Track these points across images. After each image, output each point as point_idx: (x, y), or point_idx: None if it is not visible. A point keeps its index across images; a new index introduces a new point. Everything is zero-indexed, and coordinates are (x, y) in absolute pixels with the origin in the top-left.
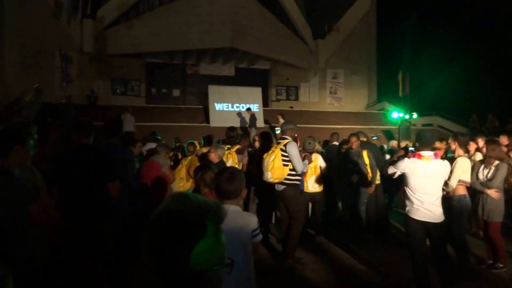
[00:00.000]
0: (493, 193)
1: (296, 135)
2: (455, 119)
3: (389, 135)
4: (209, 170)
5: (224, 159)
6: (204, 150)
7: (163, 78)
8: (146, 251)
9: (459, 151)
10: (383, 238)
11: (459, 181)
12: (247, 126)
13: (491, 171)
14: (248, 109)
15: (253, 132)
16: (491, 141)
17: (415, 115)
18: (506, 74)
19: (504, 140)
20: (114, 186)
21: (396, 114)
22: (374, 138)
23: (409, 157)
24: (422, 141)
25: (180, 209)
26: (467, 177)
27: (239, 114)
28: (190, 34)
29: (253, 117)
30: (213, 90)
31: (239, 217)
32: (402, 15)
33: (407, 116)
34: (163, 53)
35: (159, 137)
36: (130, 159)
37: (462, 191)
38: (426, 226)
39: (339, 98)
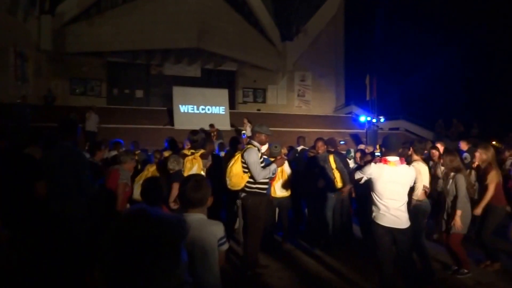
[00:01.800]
0: (458, 221)
1: (264, 138)
2: (421, 124)
3: (356, 139)
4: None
5: (189, 164)
6: (166, 154)
7: (126, 78)
8: (105, 270)
9: (415, 157)
10: (349, 244)
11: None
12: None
13: (449, 183)
14: (211, 126)
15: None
16: (449, 153)
17: (382, 119)
18: (471, 81)
19: (463, 145)
20: (40, 186)
21: (363, 118)
22: (341, 142)
23: (375, 163)
24: (388, 146)
25: (138, 228)
26: (426, 182)
27: (205, 116)
28: (155, 33)
29: (218, 133)
30: (178, 91)
31: (205, 225)
32: (370, 19)
33: (374, 120)
34: (126, 52)
35: (121, 141)
36: (82, 163)
37: (420, 196)
38: (392, 232)
39: (307, 101)
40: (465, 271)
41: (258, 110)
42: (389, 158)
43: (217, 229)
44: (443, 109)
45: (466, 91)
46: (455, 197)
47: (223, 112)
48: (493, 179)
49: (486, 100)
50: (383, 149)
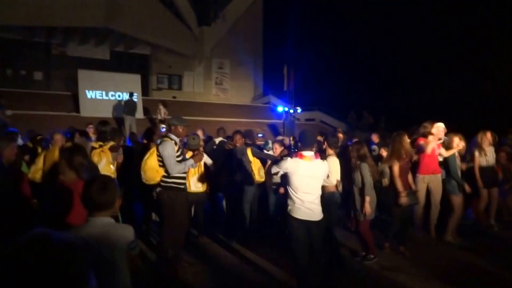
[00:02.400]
0: (367, 208)
1: (181, 130)
2: (335, 115)
3: (274, 130)
4: (79, 152)
5: (96, 158)
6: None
7: (22, 58)
8: None
9: (329, 151)
10: (268, 236)
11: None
12: (123, 115)
13: (356, 172)
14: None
15: (128, 121)
16: (357, 142)
17: (299, 110)
18: (380, 74)
19: (375, 138)
20: None
21: (281, 109)
22: (260, 135)
23: (291, 157)
24: (304, 141)
25: (35, 258)
26: (338, 176)
27: (115, 103)
28: (56, 8)
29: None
30: (84, 75)
31: (113, 230)
32: (288, 9)
33: (291, 111)
34: (21, 28)
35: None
36: None
37: (331, 188)
38: (307, 224)
39: (225, 90)
40: (372, 256)
41: (174, 97)
42: (305, 153)
43: (126, 233)
44: (355, 102)
45: (375, 84)
46: (363, 185)
47: (136, 99)
48: None
49: (393, 94)
50: (299, 144)
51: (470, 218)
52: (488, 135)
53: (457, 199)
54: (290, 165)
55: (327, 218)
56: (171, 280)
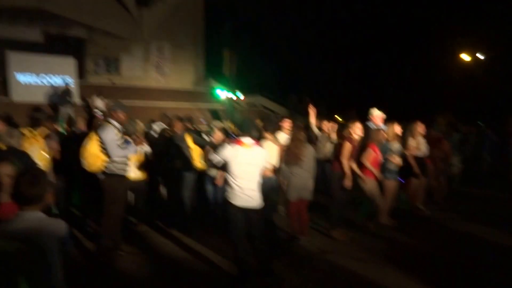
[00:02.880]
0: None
1: (122, 116)
2: (276, 100)
3: (215, 115)
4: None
5: (27, 145)
6: None
7: None
8: None
9: (266, 135)
10: (208, 223)
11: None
12: (58, 102)
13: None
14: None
15: (65, 108)
16: (296, 125)
17: (240, 95)
18: (321, 60)
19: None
20: None
21: (222, 93)
22: (202, 121)
23: (230, 144)
24: (243, 128)
25: None
26: (273, 160)
27: (49, 88)
28: None
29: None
30: (14, 57)
31: (44, 225)
32: None
33: (233, 96)
34: None
35: None
36: None
37: (268, 173)
38: (246, 211)
39: (165, 74)
40: (304, 238)
41: (112, 81)
42: (244, 140)
43: (58, 228)
44: (296, 86)
45: (316, 69)
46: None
47: (70, 86)
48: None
49: (333, 78)
50: (239, 131)
51: (403, 201)
52: (420, 125)
53: (390, 184)
54: (229, 152)
55: (266, 204)
56: (108, 270)
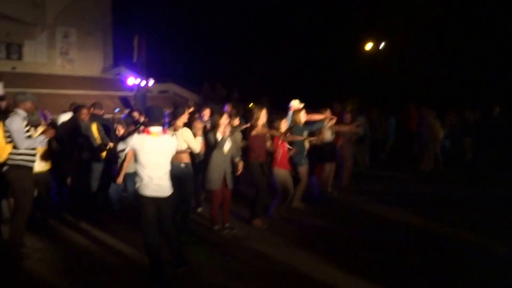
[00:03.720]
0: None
1: (30, 106)
2: (189, 87)
3: (125, 102)
4: None
5: None
6: None
7: None
8: None
9: (177, 122)
10: (119, 214)
11: (183, 150)
12: None
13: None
14: None
15: None
16: (217, 113)
17: (151, 82)
18: (232, 47)
19: (228, 108)
20: None
21: (132, 80)
22: (116, 110)
23: (138, 133)
24: (151, 116)
25: None
26: (185, 146)
27: None
28: None
29: None
30: None
31: None
32: None
33: (143, 83)
34: None
35: None
36: None
37: (184, 159)
38: (156, 201)
39: (71, 60)
40: (216, 227)
41: (13, 68)
42: (152, 129)
43: None
44: (209, 74)
45: (228, 56)
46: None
47: None
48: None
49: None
50: (146, 120)
51: (314, 186)
52: (326, 113)
53: (303, 170)
54: (136, 141)
55: (181, 192)
56: (14, 269)
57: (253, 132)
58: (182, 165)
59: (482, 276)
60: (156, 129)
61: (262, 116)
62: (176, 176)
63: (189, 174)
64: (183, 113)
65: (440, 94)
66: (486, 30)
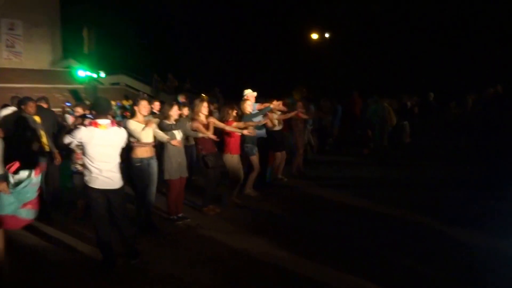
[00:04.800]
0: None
1: None
2: (140, 78)
3: (76, 95)
4: None
5: None
6: None
7: None
8: None
9: (139, 115)
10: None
11: (135, 143)
12: None
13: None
14: None
15: None
16: (166, 103)
17: (102, 74)
18: (185, 38)
19: (182, 98)
20: None
21: (82, 73)
22: (68, 104)
23: (85, 126)
24: (98, 109)
25: None
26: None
27: None
28: None
29: None
30: None
31: None
32: None
33: (94, 75)
34: None
35: None
36: None
37: (143, 154)
38: (106, 193)
39: (18, 53)
40: (175, 216)
41: None
42: (100, 121)
43: None
44: (160, 64)
45: (180, 47)
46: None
47: None
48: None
49: (197, 56)
50: (94, 112)
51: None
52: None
53: (254, 159)
54: (84, 134)
55: (139, 185)
56: None
57: (194, 125)
58: (141, 159)
59: (434, 257)
60: (104, 121)
61: (203, 109)
62: (134, 172)
63: (142, 170)
64: (136, 104)
65: (380, 81)
66: (424, 25)
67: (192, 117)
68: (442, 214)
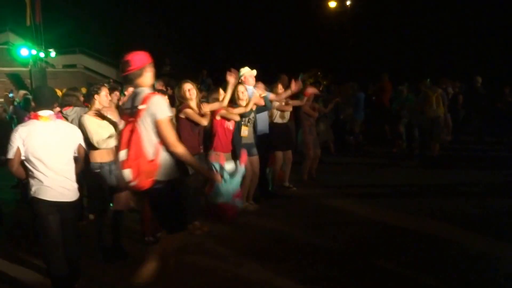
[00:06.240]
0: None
1: None
2: (103, 59)
3: (17, 80)
4: None
5: None
6: None
7: None
8: None
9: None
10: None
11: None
12: None
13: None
14: None
15: None
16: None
17: (53, 53)
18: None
19: (159, 86)
20: None
21: (26, 51)
22: (10, 95)
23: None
24: (39, 100)
25: None
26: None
27: None
28: None
29: None
30: None
31: None
32: None
33: (42, 54)
34: None
35: None
36: None
37: (103, 157)
38: (58, 207)
39: None
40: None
41: None
42: (41, 113)
43: None
44: (130, 40)
45: (156, 23)
46: None
47: None
48: None
49: (181, 36)
50: (34, 104)
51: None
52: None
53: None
54: (22, 131)
55: (100, 197)
56: None
57: (181, 115)
58: (96, 166)
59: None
60: (46, 113)
61: (193, 96)
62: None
63: (102, 177)
64: (97, 93)
65: (415, 63)
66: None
67: (179, 108)
68: (489, 229)
